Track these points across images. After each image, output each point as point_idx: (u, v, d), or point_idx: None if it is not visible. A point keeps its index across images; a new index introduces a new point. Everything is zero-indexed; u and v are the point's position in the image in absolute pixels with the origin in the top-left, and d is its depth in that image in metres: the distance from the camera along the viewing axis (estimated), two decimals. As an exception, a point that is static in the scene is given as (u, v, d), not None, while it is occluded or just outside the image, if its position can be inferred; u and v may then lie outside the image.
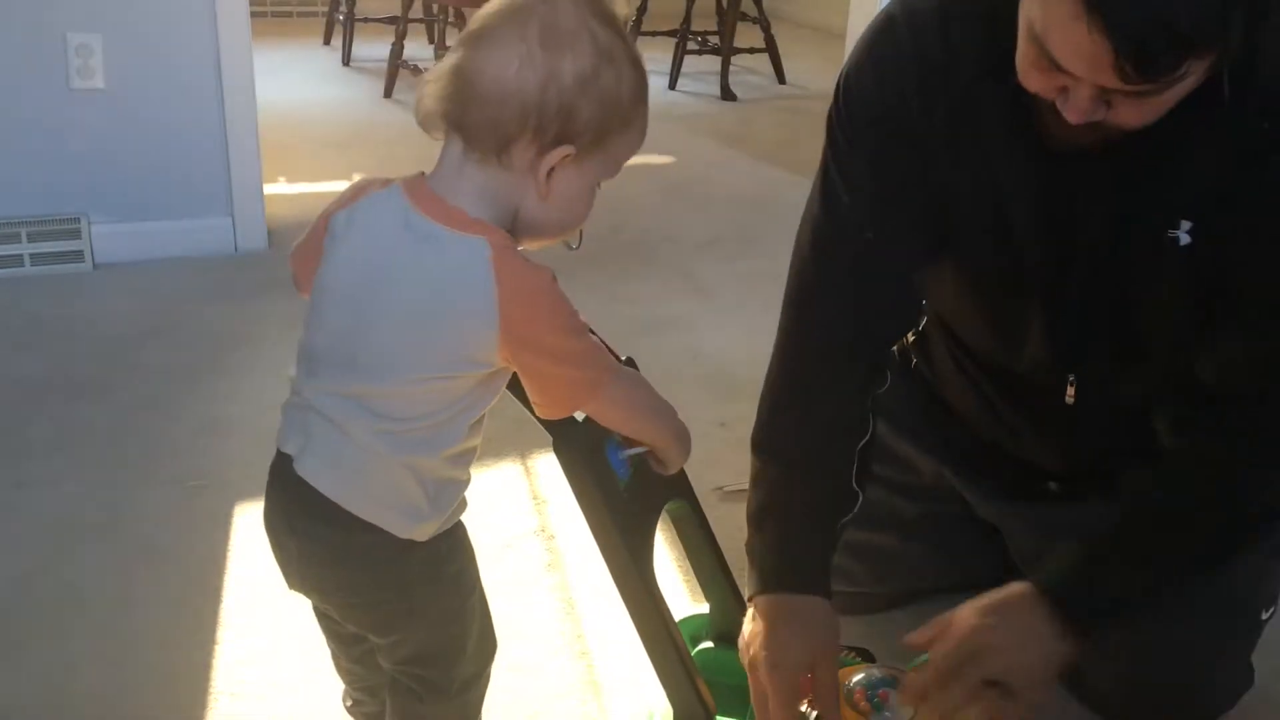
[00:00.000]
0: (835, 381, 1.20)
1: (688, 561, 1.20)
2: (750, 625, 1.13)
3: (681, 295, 2.52)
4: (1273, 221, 1.03)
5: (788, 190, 3.25)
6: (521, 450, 1.83)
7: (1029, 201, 1.12)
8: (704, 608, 1.23)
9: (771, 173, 3.44)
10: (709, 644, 1.21)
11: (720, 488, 1.64)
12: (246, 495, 1.70)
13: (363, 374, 0.93)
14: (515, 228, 0.94)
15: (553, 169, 0.90)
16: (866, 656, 1.21)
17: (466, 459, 0.99)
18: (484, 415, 0.97)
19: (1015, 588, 1.11)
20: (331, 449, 0.96)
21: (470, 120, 0.89)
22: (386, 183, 0.96)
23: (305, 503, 0.97)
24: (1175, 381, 1.16)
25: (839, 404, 1.21)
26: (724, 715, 1.11)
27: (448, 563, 1.01)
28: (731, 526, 1.24)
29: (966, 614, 1.09)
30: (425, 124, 0.92)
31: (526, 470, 1.80)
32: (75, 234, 2.48)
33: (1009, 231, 1.14)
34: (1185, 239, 1.05)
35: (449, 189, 0.92)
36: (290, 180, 3.15)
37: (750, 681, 1.10)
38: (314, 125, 3.78)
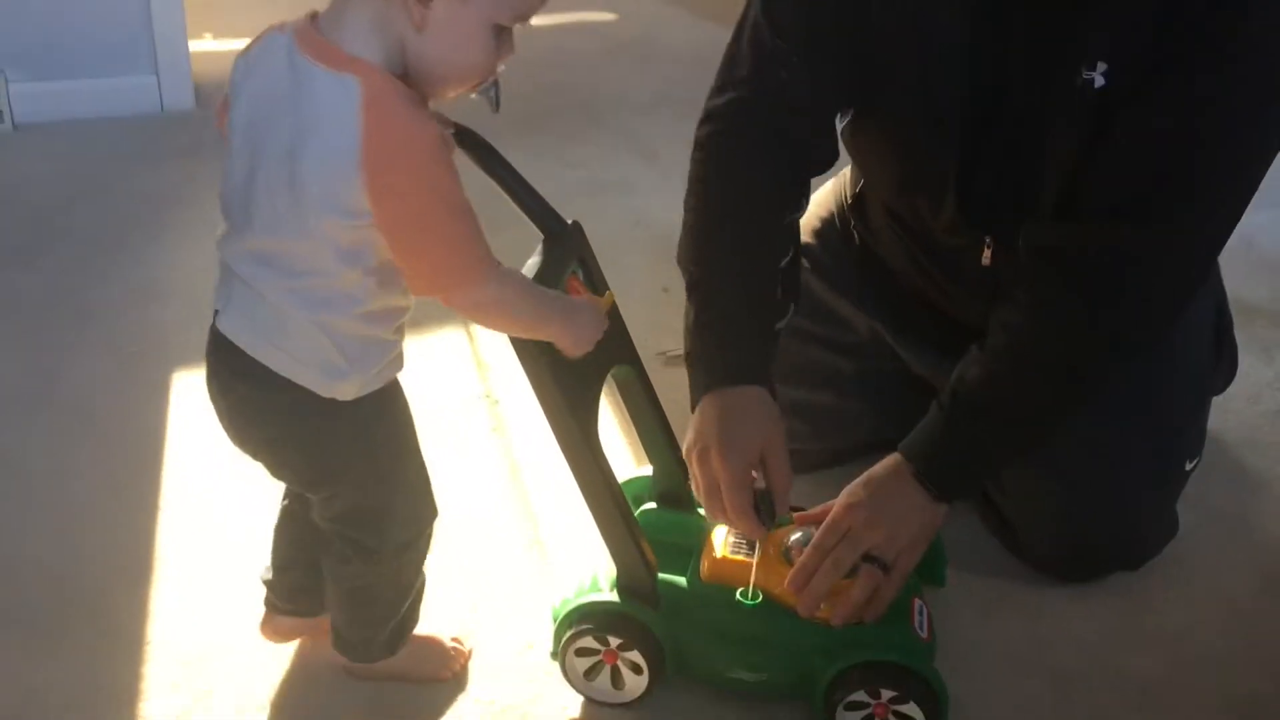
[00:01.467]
0: (755, 206, 1.22)
1: (631, 424, 1.21)
2: (696, 424, 1.14)
3: (626, 158, 2.49)
4: (1183, 62, 1.03)
5: (733, 50, 3.19)
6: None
7: (953, 48, 1.13)
8: (647, 469, 1.24)
9: (716, 31, 3.35)
10: (652, 505, 1.22)
11: (664, 353, 1.64)
12: (183, 361, 1.68)
13: (257, 227, 0.92)
14: (407, 72, 0.90)
15: (433, 12, 0.86)
16: (805, 515, 1.23)
17: (388, 319, 0.97)
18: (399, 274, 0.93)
19: (887, 461, 1.16)
20: (248, 306, 0.95)
21: None
22: (284, 26, 0.93)
23: (230, 360, 0.97)
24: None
25: (760, 224, 1.22)
26: (665, 572, 1.13)
27: (375, 422, 1.00)
28: (675, 390, 1.24)
29: (843, 496, 1.15)
30: None
31: (470, 335, 1.79)
32: (-8, 93, 2.38)
33: (932, 77, 1.15)
34: (1100, 80, 1.07)
35: (332, 24, 0.89)
36: (217, 36, 3.02)
37: (699, 477, 1.13)
38: (241, -22, 3.61)
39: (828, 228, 1.50)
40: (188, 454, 1.50)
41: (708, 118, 1.25)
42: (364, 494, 1.03)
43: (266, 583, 1.17)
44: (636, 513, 1.18)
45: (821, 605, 1.10)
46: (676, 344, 1.26)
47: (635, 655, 1.11)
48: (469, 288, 0.92)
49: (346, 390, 0.97)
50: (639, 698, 1.14)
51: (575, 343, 1.02)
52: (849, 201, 1.46)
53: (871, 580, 1.10)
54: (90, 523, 1.38)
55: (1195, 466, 1.38)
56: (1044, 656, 1.26)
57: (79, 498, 1.42)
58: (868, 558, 1.11)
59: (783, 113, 1.21)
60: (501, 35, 0.91)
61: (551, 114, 2.68)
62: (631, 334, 1.15)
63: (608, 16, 3.48)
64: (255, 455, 1.05)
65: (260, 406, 0.99)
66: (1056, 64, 1.09)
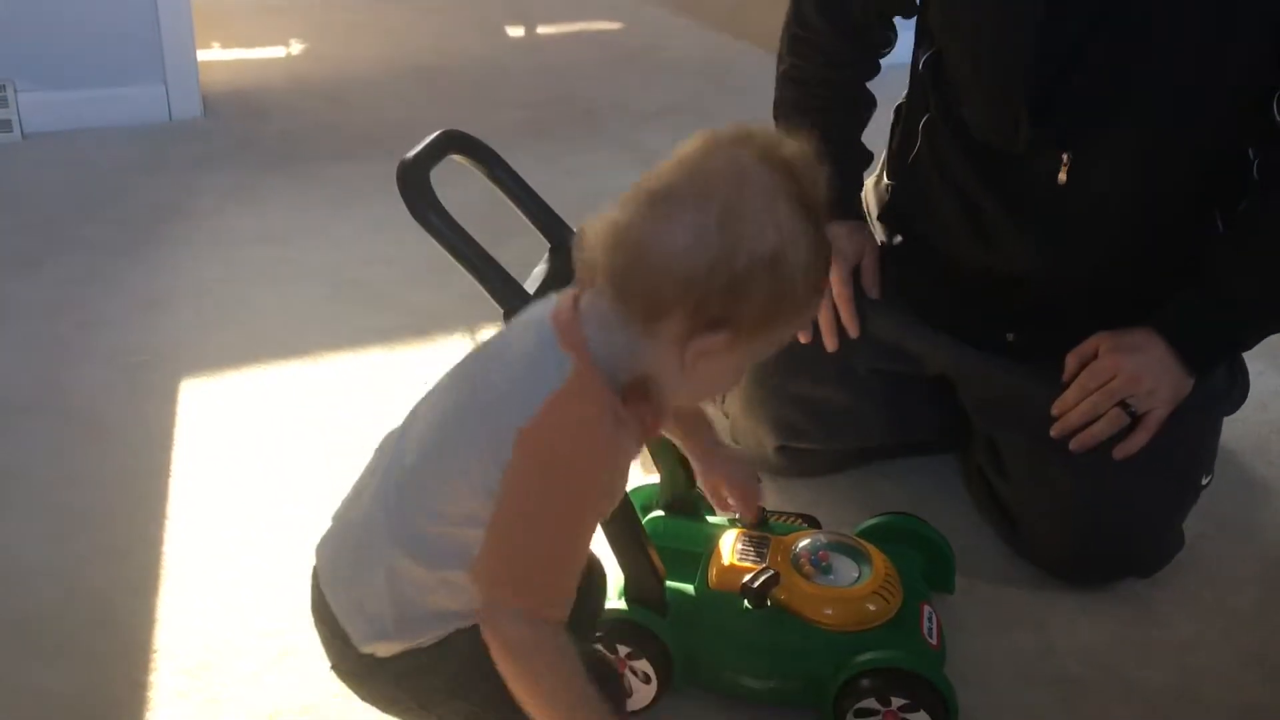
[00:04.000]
0: (839, 68, 1.47)
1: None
2: None
3: (630, 167, 2.49)
4: None
5: (740, 59, 3.19)
6: (470, 323, 1.81)
7: None
8: (655, 478, 1.24)
9: (723, 41, 3.37)
10: (660, 512, 1.22)
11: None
12: (189, 370, 1.68)
13: (406, 440, 0.90)
14: (635, 384, 0.85)
15: (703, 352, 0.81)
16: (812, 523, 1.24)
17: (469, 595, 0.88)
18: None
19: (1140, 332, 1.29)
20: (341, 517, 0.94)
21: (627, 282, 0.80)
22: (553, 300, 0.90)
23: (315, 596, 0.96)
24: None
25: (846, 80, 1.48)
26: (674, 579, 1.13)
27: (430, 673, 0.92)
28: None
29: (1105, 347, 1.29)
30: (583, 273, 0.84)
31: (476, 344, 1.78)
32: (2, 102, 2.38)
33: None
34: None
35: (585, 322, 0.85)
36: (225, 46, 3.03)
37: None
38: (248, -12, 3.63)
39: None
40: (194, 462, 1.50)
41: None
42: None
43: None
44: (644, 520, 1.18)
45: (829, 611, 1.10)
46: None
47: (643, 664, 1.11)
48: (512, 608, 0.84)
49: (386, 649, 0.92)
50: (646, 707, 1.13)
51: None
52: (890, 184, 1.50)
53: (1118, 421, 1.27)
54: (96, 530, 1.38)
55: (1210, 482, 1.39)
56: (1052, 666, 1.25)
57: (85, 505, 1.42)
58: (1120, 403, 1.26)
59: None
60: None
61: (557, 123, 2.68)
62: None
63: (613, 26, 3.49)
64: None
65: (329, 647, 0.97)
66: None
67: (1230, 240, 1.28)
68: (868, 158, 1.50)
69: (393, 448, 0.93)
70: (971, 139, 1.33)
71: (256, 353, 1.74)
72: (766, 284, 0.79)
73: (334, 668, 0.97)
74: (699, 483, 1.18)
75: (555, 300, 0.88)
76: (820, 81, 1.48)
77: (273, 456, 1.52)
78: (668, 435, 1.12)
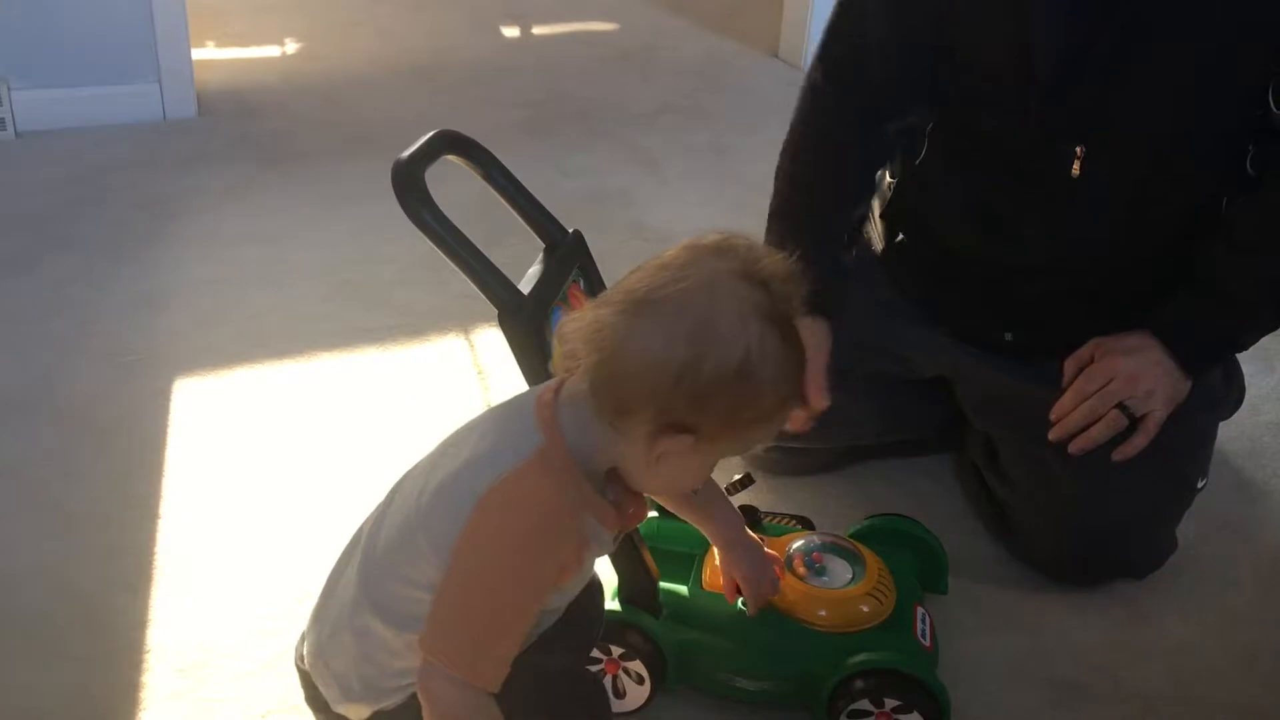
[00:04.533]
0: (841, 160, 1.37)
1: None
2: None
3: (626, 167, 2.49)
4: None
5: (735, 60, 3.19)
6: (464, 324, 1.81)
7: None
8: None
9: (718, 42, 3.37)
10: (654, 513, 1.22)
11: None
12: (183, 369, 1.68)
13: (390, 508, 0.93)
14: (610, 473, 0.88)
15: (666, 452, 0.84)
16: (806, 524, 1.24)
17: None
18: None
19: (1136, 334, 1.29)
20: (327, 589, 0.97)
21: (599, 379, 0.83)
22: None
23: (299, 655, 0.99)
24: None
25: (847, 173, 1.38)
26: (667, 581, 1.13)
27: None
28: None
29: (1102, 350, 1.29)
30: (566, 360, 0.87)
31: (470, 344, 1.79)
32: (-5, 100, 2.38)
33: None
34: None
35: (563, 408, 0.87)
36: (220, 45, 3.03)
37: None
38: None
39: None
40: (187, 462, 1.50)
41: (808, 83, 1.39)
42: None
43: None
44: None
45: (823, 612, 1.10)
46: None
47: (637, 665, 1.11)
48: (443, 669, 0.85)
49: (355, 711, 0.95)
50: (640, 708, 1.14)
51: None
52: (894, 181, 1.47)
53: (1116, 423, 1.26)
54: (89, 530, 1.37)
55: (1205, 486, 1.39)
56: (1045, 667, 1.26)
57: (78, 505, 1.42)
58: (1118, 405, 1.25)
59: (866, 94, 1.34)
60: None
61: (552, 123, 2.68)
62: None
63: (609, 26, 3.49)
64: None
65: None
66: None
67: (1223, 239, 1.28)
68: (849, 251, 1.40)
69: (375, 516, 0.95)
70: (982, 134, 1.33)
71: (251, 352, 1.73)
72: (732, 395, 0.81)
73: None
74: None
75: (543, 386, 0.91)
76: (821, 172, 1.38)
77: (266, 456, 1.52)
78: (687, 519, 1.13)
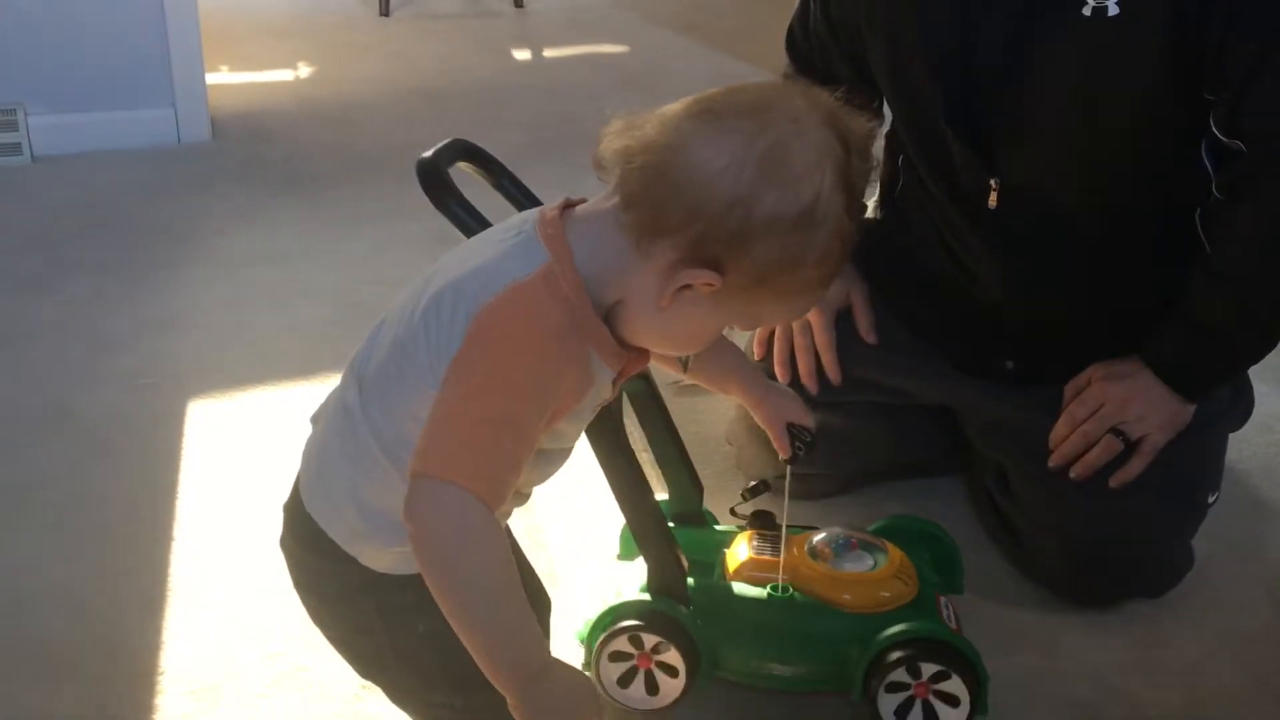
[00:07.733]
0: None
1: (648, 447, 1.20)
2: None
3: (636, 188, 2.50)
4: None
5: (743, 81, 3.20)
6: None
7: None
8: (663, 495, 1.24)
9: (728, 64, 3.39)
10: (670, 524, 1.22)
11: (676, 381, 1.64)
12: (198, 392, 1.69)
13: (381, 335, 0.87)
14: (611, 310, 0.81)
15: (686, 286, 0.77)
16: (818, 533, 1.23)
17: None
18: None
19: (1130, 362, 1.28)
20: (323, 415, 0.93)
21: (640, 187, 0.75)
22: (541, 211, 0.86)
23: (288, 515, 0.94)
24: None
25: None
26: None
27: (416, 617, 0.86)
28: (686, 419, 1.24)
29: (1096, 376, 1.28)
30: (599, 164, 0.80)
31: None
32: (12, 126, 2.40)
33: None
34: (1114, 9, 1.14)
35: (576, 225, 0.81)
36: (233, 69, 3.06)
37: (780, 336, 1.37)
38: (256, 11, 3.65)
39: None
40: (201, 484, 1.50)
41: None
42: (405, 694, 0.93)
43: None
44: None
45: (848, 596, 1.11)
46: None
47: (670, 656, 1.09)
48: (436, 478, 0.76)
49: (372, 557, 0.88)
50: (673, 702, 1.11)
51: (508, 693, 0.79)
52: (878, 225, 1.48)
53: (1112, 448, 1.25)
54: (103, 552, 1.38)
55: (1216, 500, 1.38)
56: (1059, 688, 1.25)
57: (92, 527, 1.42)
58: (1114, 430, 1.25)
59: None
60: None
61: (561, 145, 2.69)
62: (644, 364, 1.16)
63: (619, 49, 3.51)
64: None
65: (305, 575, 0.97)
66: None
67: (1200, 267, 1.24)
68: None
69: (366, 343, 0.89)
70: (930, 162, 1.34)
71: (263, 374, 1.74)
72: (780, 244, 0.74)
73: (301, 585, 0.94)
74: (760, 422, 1.13)
75: (542, 207, 0.85)
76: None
77: (279, 477, 1.52)
78: (711, 388, 1.09)
